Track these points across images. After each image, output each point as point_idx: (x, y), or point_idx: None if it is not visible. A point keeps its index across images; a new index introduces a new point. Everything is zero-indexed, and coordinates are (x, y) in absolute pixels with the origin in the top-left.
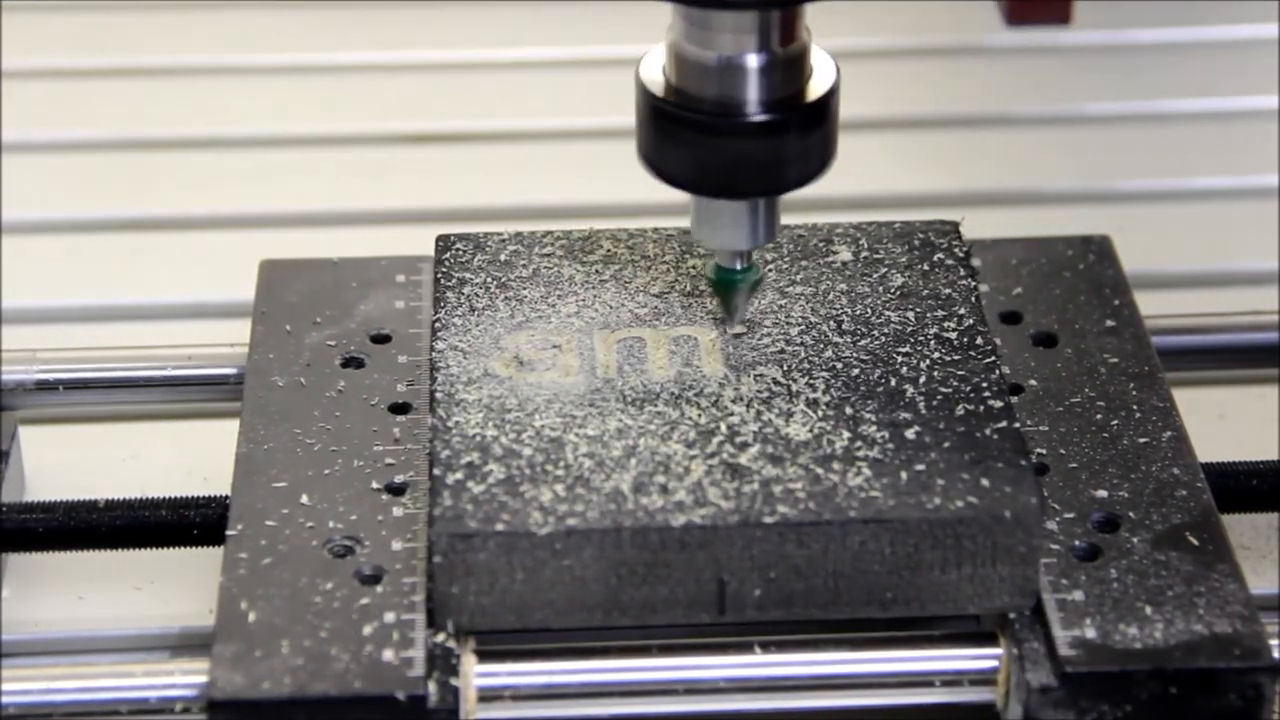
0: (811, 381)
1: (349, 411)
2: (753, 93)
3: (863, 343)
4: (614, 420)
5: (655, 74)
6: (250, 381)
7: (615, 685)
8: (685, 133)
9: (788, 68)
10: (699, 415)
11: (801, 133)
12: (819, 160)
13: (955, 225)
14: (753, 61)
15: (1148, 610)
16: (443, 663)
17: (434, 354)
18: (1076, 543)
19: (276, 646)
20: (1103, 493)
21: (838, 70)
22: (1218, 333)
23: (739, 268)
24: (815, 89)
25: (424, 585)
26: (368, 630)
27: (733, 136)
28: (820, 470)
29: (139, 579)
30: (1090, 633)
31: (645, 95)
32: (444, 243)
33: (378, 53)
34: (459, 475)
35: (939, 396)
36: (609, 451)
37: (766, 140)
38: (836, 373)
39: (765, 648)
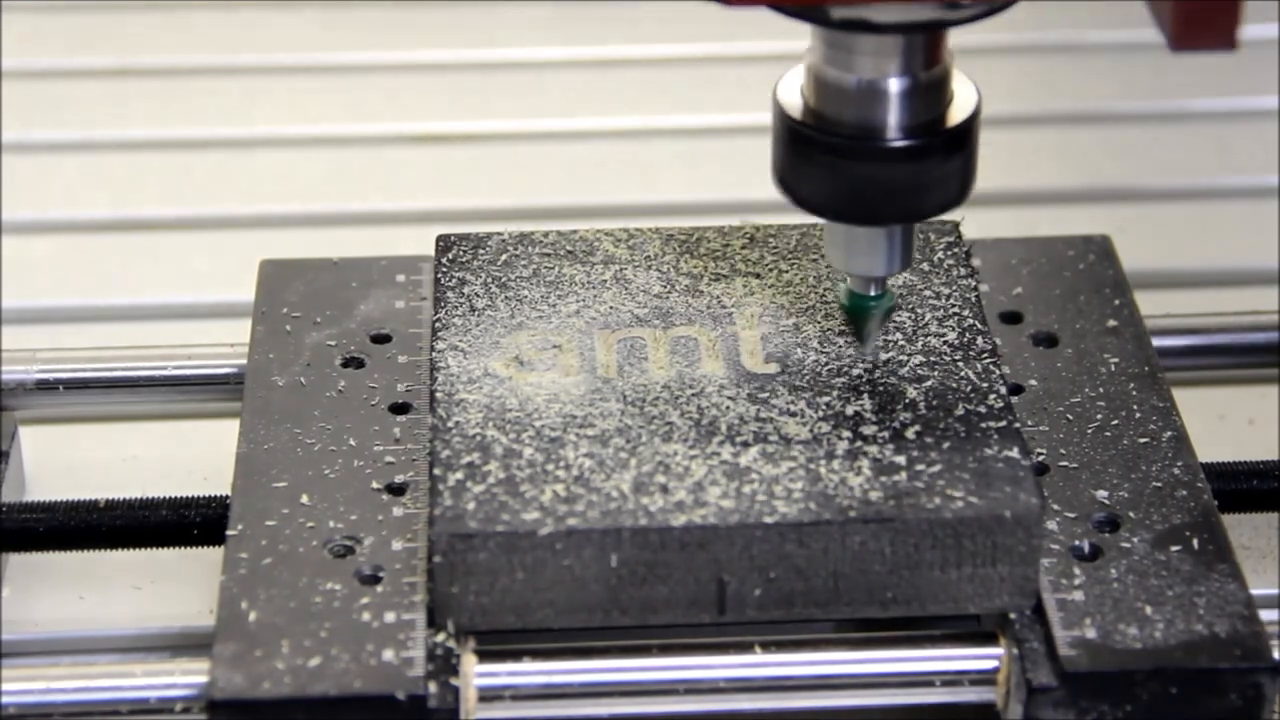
0: (812, 381)
1: (349, 411)
2: (893, 117)
3: (863, 342)
4: (614, 420)
5: (793, 96)
6: (250, 381)
7: (615, 685)
8: (823, 156)
9: (929, 92)
10: (699, 415)
11: (942, 158)
12: (958, 186)
13: (955, 225)
14: (894, 85)
15: (1148, 610)
16: (443, 663)
17: (434, 354)
18: (1076, 543)
19: (276, 646)
20: (1103, 493)
21: (979, 95)
22: (1218, 333)
23: (872, 293)
24: (956, 114)
25: (424, 585)
26: (368, 630)
27: (872, 161)
28: (820, 470)
29: (139, 579)
30: (1090, 633)
31: (782, 117)
32: (444, 243)
33: (378, 53)
34: (459, 475)
35: (939, 396)
36: (609, 451)
37: (906, 165)
38: (836, 372)
39: (765, 648)
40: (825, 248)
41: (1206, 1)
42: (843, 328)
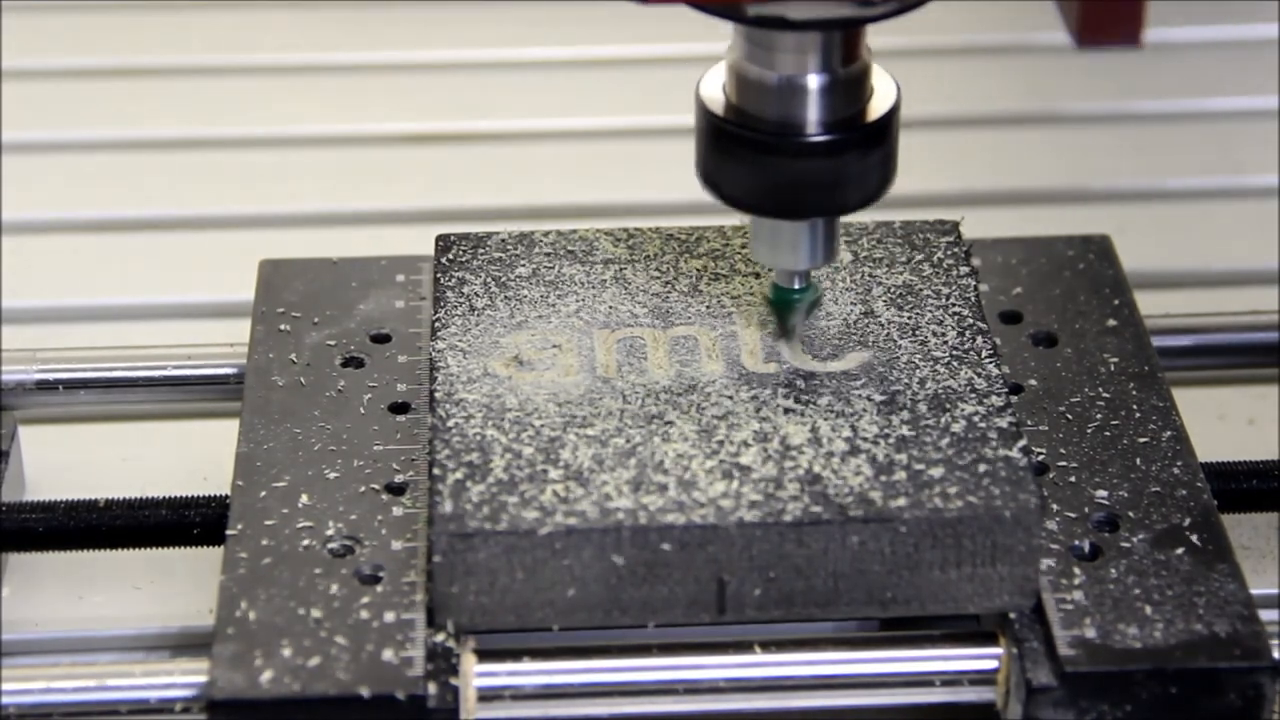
0: (812, 381)
1: (349, 411)
2: (813, 112)
3: (863, 342)
4: (614, 420)
5: (715, 92)
6: (250, 381)
7: (615, 685)
8: (745, 152)
9: (849, 88)
10: (699, 415)
11: (862, 153)
12: (879, 180)
13: (955, 225)
14: (814, 81)
15: (1148, 610)
16: (443, 663)
17: (434, 353)
18: (1076, 543)
19: (276, 646)
20: (1103, 493)
21: (899, 90)
22: (1218, 333)
23: (797, 287)
24: (876, 109)
25: (424, 585)
26: (367, 630)
27: (793, 156)
28: (820, 470)
29: (139, 579)
30: (1090, 632)
31: (705, 114)
32: (444, 243)
33: (378, 53)
34: (459, 475)
35: (939, 396)
36: (609, 451)
37: (827, 160)
38: (836, 372)
39: (765, 648)
40: (750, 243)
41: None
42: (843, 326)
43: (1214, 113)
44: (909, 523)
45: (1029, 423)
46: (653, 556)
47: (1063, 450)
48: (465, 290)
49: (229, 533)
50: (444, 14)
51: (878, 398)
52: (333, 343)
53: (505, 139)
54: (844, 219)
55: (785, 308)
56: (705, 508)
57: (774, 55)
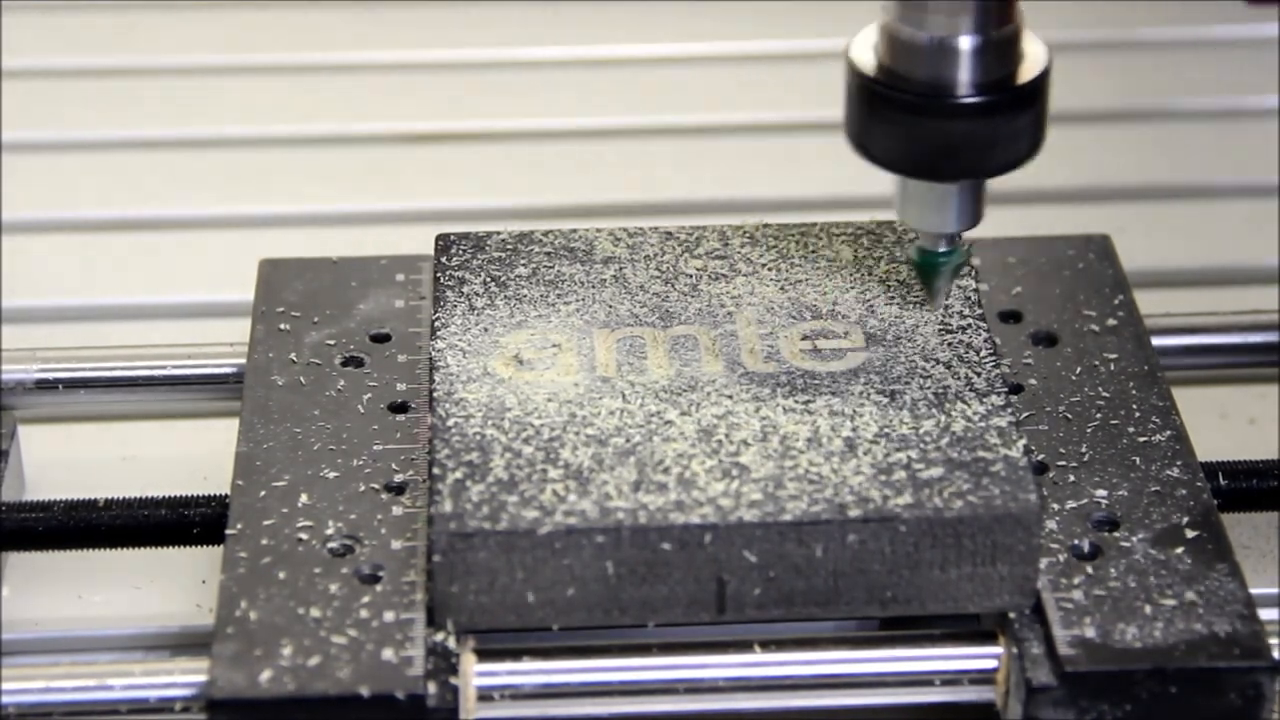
0: (812, 381)
1: (349, 411)
2: (965, 74)
3: (863, 341)
4: (613, 419)
5: (866, 54)
6: (250, 381)
7: (615, 685)
8: (895, 113)
9: (1000, 50)
10: (699, 414)
11: (1012, 115)
12: (1028, 144)
13: None
14: (965, 43)
15: (1148, 610)
16: (443, 662)
17: (433, 353)
18: (1076, 542)
19: (276, 646)
20: (1103, 493)
21: (1049, 54)
22: (1218, 333)
23: (942, 249)
24: (1026, 72)
25: (424, 584)
26: (367, 630)
27: (944, 118)
28: (820, 469)
29: (139, 579)
30: (1090, 632)
31: (855, 75)
32: (444, 242)
33: (377, 53)
34: (459, 475)
35: (939, 395)
36: (609, 451)
37: (977, 122)
38: (836, 372)
39: (765, 647)
40: (897, 204)
41: None
42: (843, 325)
43: (1214, 113)
44: (909, 522)
45: (1029, 423)
46: (653, 556)
47: (1063, 450)
48: (465, 290)
49: (229, 532)
50: (444, 14)
51: (878, 397)
52: (332, 342)
53: (505, 139)
54: (844, 219)
55: (931, 270)
56: (705, 507)
57: (927, 16)
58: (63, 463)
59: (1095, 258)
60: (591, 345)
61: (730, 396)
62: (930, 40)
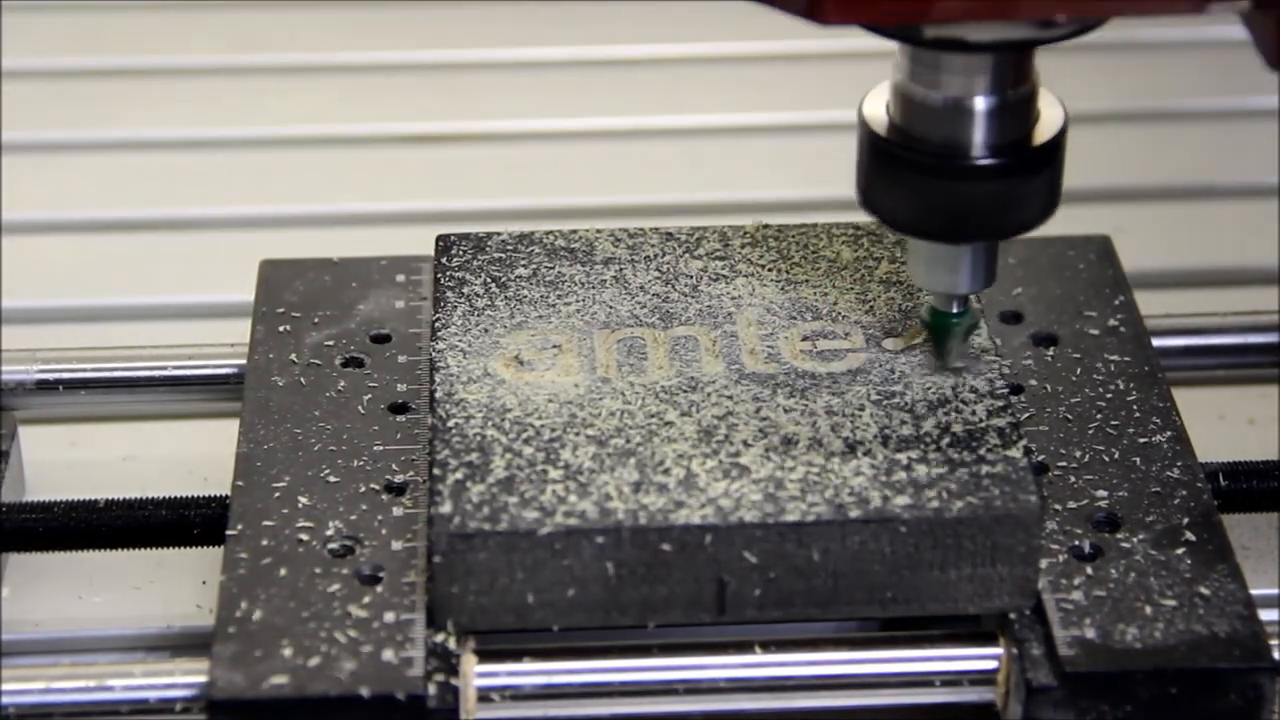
0: (812, 381)
1: (349, 411)
2: (980, 135)
3: (862, 342)
4: (614, 420)
5: (878, 112)
6: (250, 381)
7: (615, 685)
8: (908, 174)
9: (1016, 110)
10: (699, 415)
11: (1027, 177)
12: (1043, 205)
13: None
14: (981, 104)
15: (1148, 610)
16: (443, 663)
17: (434, 354)
18: (1076, 543)
19: (276, 646)
20: (1103, 493)
21: (1066, 113)
22: (1218, 333)
23: (955, 310)
24: (1043, 132)
25: (424, 585)
26: (367, 630)
27: (958, 179)
28: (820, 470)
29: (139, 579)
30: (1090, 633)
31: (868, 133)
32: (444, 243)
33: (378, 53)
34: (459, 475)
35: (939, 396)
36: (609, 451)
37: (992, 184)
38: (836, 372)
39: (765, 648)
40: (908, 264)
41: None
42: (843, 326)
43: (1214, 113)
44: (909, 523)
45: (1029, 423)
46: (653, 556)
47: (1063, 450)
48: (465, 290)
49: (229, 533)
50: (444, 14)
51: (878, 398)
52: (332, 343)
53: (505, 139)
54: (844, 220)
55: (943, 332)
56: (705, 508)
57: (941, 76)
58: (63, 463)
59: (1095, 258)
60: (592, 346)
61: (730, 397)
62: (945, 101)
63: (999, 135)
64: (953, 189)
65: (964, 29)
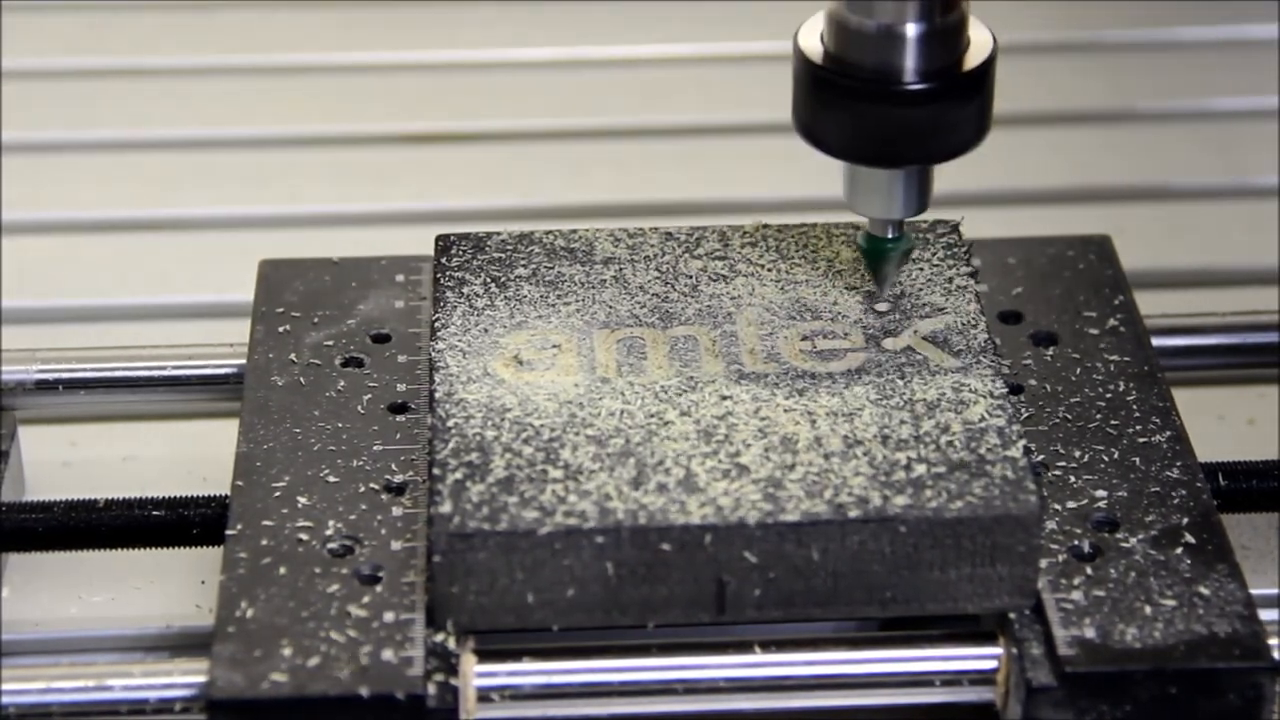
0: (812, 381)
1: (349, 411)
2: (911, 61)
3: (862, 342)
4: (613, 420)
5: (813, 41)
6: (250, 381)
7: (615, 685)
8: (842, 100)
9: (946, 37)
10: (698, 415)
11: (958, 102)
12: (974, 130)
13: (955, 225)
14: (912, 30)
15: (1148, 610)
16: (442, 662)
17: (433, 354)
18: (1076, 543)
19: (276, 646)
20: (1102, 493)
21: (995, 40)
22: (1218, 333)
23: (890, 236)
24: (972, 59)
25: (423, 585)
26: (367, 630)
27: (890, 104)
28: (820, 470)
29: (139, 579)
30: (1090, 633)
31: (803, 62)
32: (444, 243)
33: (378, 53)
34: (459, 475)
35: (938, 396)
36: (608, 451)
37: (923, 108)
38: (836, 372)
39: (765, 648)
40: (844, 191)
41: None
42: (843, 325)
43: (1214, 113)
44: (909, 522)
45: (1029, 423)
46: (652, 557)
47: (1063, 450)
48: (465, 290)
49: (228, 533)
50: (444, 14)
51: (877, 397)
52: (332, 343)
53: (505, 139)
54: (844, 220)
55: (879, 257)
56: (705, 508)
57: (873, 4)
58: (63, 463)
59: (1095, 258)
60: (591, 346)
61: (730, 397)
62: (877, 27)
63: (930, 61)
64: (886, 114)
65: None
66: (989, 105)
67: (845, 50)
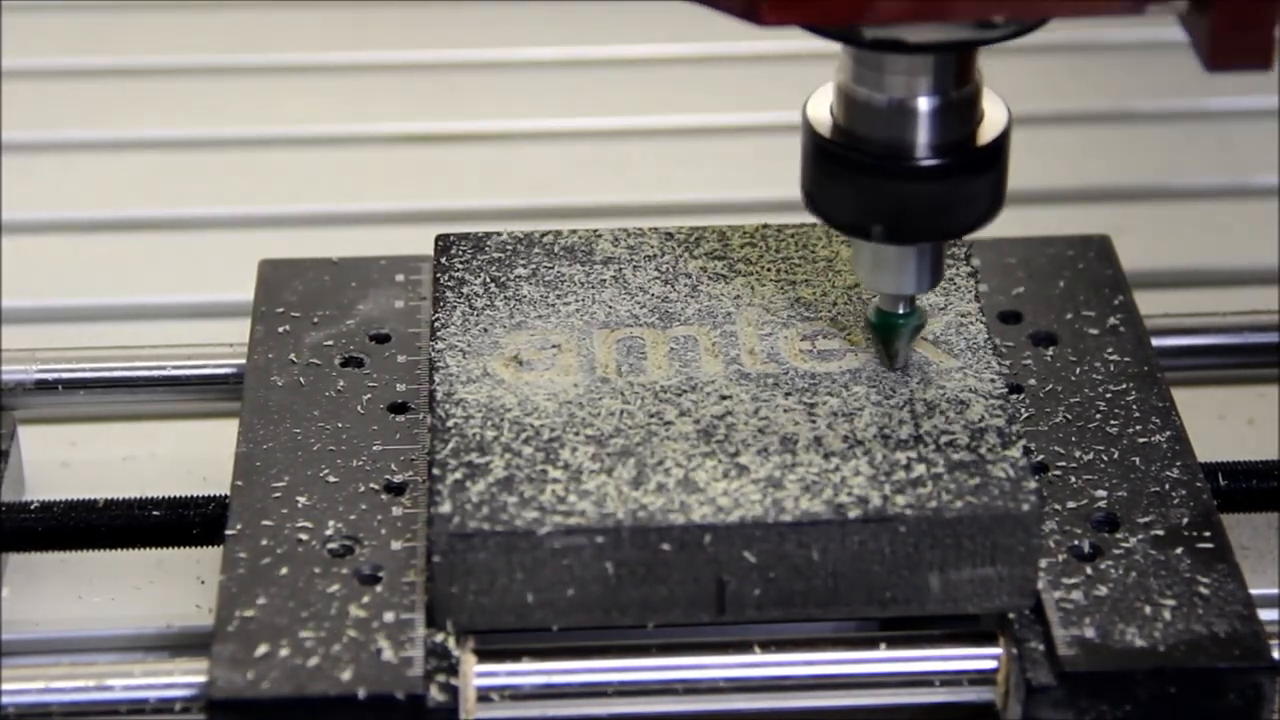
0: (812, 381)
1: (348, 411)
2: (924, 136)
3: (863, 342)
4: (613, 420)
5: (822, 113)
6: (250, 381)
7: (615, 685)
8: (852, 175)
9: (960, 111)
10: (698, 415)
11: (972, 177)
12: (988, 205)
13: None
14: (924, 104)
15: (1147, 610)
16: (442, 662)
17: (433, 354)
18: (1076, 543)
19: (276, 646)
20: (1102, 493)
21: (1009, 114)
22: (1218, 333)
23: (901, 311)
24: (987, 132)
25: (423, 585)
26: (367, 630)
27: (902, 180)
28: (820, 470)
29: (139, 579)
30: (1090, 632)
31: (811, 135)
32: (444, 243)
33: (378, 53)
34: (458, 475)
35: (938, 396)
36: (608, 451)
37: (936, 184)
38: (836, 372)
39: (765, 648)
40: (854, 265)
41: (1240, 27)
42: (842, 326)
43: (1214, 113)
44: (909, 522)
45: (1029, 423)
46: (652, 556)
47: (1062, 450)
48: (465, 290)
49: (228, 533)
50: (444, 14)
51: (877, 397)
52: (332, 343)
53: (505, 139)
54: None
55: (890, 333)
56: (705, 508)
57: (884, 77)
58: (62, 463)
59: (1095, 258)
60: (591, 346)
61: (730, 397)
62: (889, 102)
63: (942, 135)
64: (898, 189)
65: (903, 30)
66: (1004, 178)
67: (854, 123)
